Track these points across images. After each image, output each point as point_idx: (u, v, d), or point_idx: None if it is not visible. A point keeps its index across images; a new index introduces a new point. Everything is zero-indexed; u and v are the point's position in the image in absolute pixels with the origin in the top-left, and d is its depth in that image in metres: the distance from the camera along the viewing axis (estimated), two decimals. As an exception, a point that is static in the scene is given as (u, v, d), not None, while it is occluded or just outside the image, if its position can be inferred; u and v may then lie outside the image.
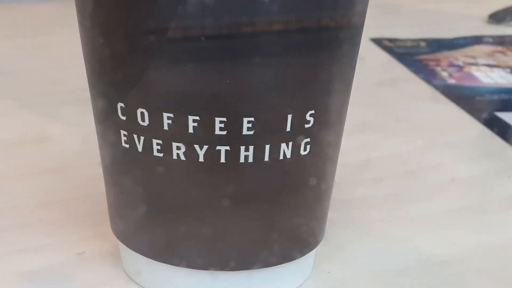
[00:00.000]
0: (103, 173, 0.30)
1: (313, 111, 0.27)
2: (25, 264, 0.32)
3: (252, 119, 0.26)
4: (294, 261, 0.30)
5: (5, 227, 0.35)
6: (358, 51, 0.29)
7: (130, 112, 0.27)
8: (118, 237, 0.30)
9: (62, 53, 0.60)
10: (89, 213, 0.35)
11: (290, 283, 0.31)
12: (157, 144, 0.27)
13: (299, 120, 0.27)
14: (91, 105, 0.30)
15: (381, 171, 0.41)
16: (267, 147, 0.27)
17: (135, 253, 0.30)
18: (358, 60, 0.30)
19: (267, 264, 0.29)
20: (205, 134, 0.26)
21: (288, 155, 0.27)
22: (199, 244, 0.29)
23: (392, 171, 0.41)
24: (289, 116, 0.26)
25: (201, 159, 0.26)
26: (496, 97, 0.52)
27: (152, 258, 0.29)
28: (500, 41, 0.66)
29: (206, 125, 0.26)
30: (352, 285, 0.31)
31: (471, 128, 0.47)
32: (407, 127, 0.47)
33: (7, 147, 0.43)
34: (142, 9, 0.26)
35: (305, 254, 0.30)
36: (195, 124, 0.26)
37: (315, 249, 0.31)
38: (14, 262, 0.32)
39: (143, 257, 0.29)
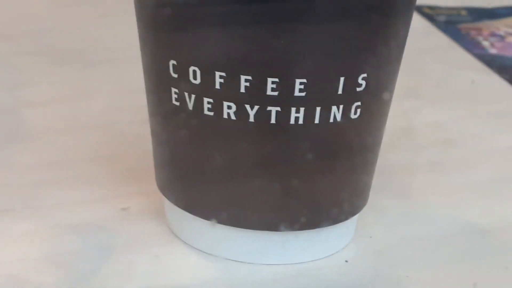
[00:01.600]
0: (151, 131, 0.31)
1: (365, 75, 0.27)
2: (71, 218, 0.32)
3: (304, 80, 0.26)
4: (337, 224, 0.30)
5: (51, 181, 0.35)
6: (411, 18, 0.29)
7: (182, 70, 0.27)
8: (163, 193, 0.31)
9: (99, 11, 0.60)
10: (133, 170, 0.36)
11: (332, 245, 0.31)
12: (208, 103, 0.27)
13: (351, 83, 0.27)
14: (131, 63, 0.30)
15: (423, 138, 0.41)
16: (318, 109, 0.27)
17: (184, 211, 0.30)
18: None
19: (312, 225, 0.29)
20: (256, 94, 0.26)
21: (339, 118, 0.27)
22: (251, 205, 0.29)
23: (434, 139, 0.41)
24: (342, 79, 0.27)
25: (251, 119, 0.27)
26: None
27: (202, 218, 0.30)
28: None
29: (258, 85, 0.26)
30: (392, 250, 0.31)
31: None
32: (448, 96, 0.47)
33: (50, 103, 0.43)
34: None
35: (349, 217, 0.31)
36: (247, 84, 0.26)
37: (358, 213, 0.31)
38: (60, 215, 0.32)
39: (193, 216, 0.30)
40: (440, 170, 0.38)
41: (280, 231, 0.29)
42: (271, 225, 0.29)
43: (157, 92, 0.29)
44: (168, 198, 0.31)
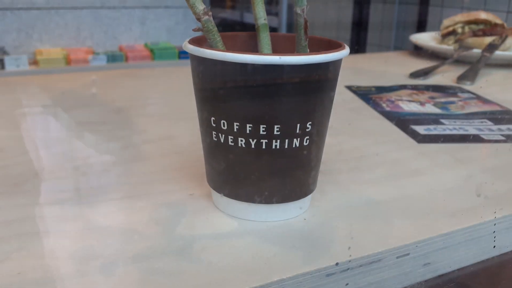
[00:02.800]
0: (203, 154, 0.31)
1: (311, 122, 0.27)
2: (165, 199, 0.32)
3: (279, 126, 0.27)
4: (300, 199, 0.30)
5: (152, 181, 0.35)
6: (334, 93, 0.29)
7: (217, 122, 0.28)
8: (210, 186, 0.31)
9: (181, 92, 0.60)
10: (196, 174, 0.36)
11: (297, 211, 0.31)
12: (231, 139, 0.27)
13: (303, 127, 0.27)
14: (197, 119, 0.30)
15: (348, 155, 0.41)
16: (286, 140, 0.27)
17: (220, 194, 0.30)
18: (338, 100, 0.30)
19: (285, 200, 0.29)
20: (255, 133, 0.27)
21: (298, 145, 0.28)
22: (253, 190, 0.29)
23: (353, 155, 0.41)
24: (298, 125, 0.27)
25: (253, 146, 0.27)
26: (411, 117, 0.51)
27: (229, 197, 0.30)
28: (415, 87, 0.64)
29: (255, 129, 0.27)
30: (330, 213, 0.31)
31: (396, 133, 0.47)
32: (363, 133, 0.47)
33: (155, 141, 0.43)
34: (223, 76, 0.27)
35: (306, 196, 0.31)
36: (250, 128, 0.27)
37: (311, 194, 0.31)
38: (159, 198, 0.32)
39: (224, 196, 0.30)
40: (357, 172, 0.38)
41: (265, 203, 0.29)
42: (260, 200, 0.29)
43: (205, 134, 0.29)
44: (212, 187, 0.31)
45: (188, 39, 0.29)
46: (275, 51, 0.32)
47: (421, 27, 2.28)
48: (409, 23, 2.42)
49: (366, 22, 2.61)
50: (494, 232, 0.31)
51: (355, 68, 0.77)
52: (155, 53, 2.37)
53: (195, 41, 0.29)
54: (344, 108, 0.55)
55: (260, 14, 0.31)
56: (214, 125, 0.28)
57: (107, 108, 0.53)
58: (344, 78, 0.69)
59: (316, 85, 0.27)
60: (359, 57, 0.93)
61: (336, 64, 0.27)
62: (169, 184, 0.35)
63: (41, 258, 0.26)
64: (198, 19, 0.27)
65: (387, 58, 0.90)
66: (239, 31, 0.33)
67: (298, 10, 0.28)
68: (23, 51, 2.21)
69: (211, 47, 0.28)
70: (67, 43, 2.30)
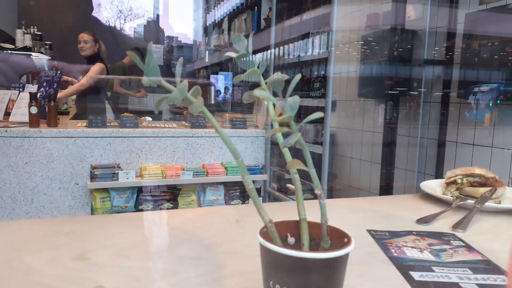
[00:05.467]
0: None
1: None
2: None
3: None
4: None
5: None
6: (345, 270, 0.37)
7: (274, 285, 0.36)
8: None
9: (252, 230, 0.64)
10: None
11: None
12: None
13: None
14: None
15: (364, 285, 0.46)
16: None
17: None
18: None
19: None
20: None
21: None
22: None
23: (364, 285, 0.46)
24: None
25: None
26: (411, 263, 0.55)
27: None
28: (419, 233, 0.67)
29: None
30: None
31: (398, 279, 0.50)
32: (374, 278, 0.51)
33: (231, 276, 0.47)
34: (278, 260, 0.35)
35: None
36: None
37: None
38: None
39: None
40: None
41: None
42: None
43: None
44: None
45: (260, 231, 0.40)
46: (311, 231, 0.42)
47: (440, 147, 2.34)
48: (431, 143, 2.48)
49: (394, 143, 2.70)
50: None
51: (377, 211, 0.82)
52: (228, 170, 2.58)
53: (263, 233, 0.40)
54: (363, 252, 0.60)
55: (301, 211, 0.42)
56: (272, 286, 0.37)
57: (200, 244, 0.59)
58: (368, 221, 0.75)
59: (333, 267, 0.36)
60: (381, 200, 0.98)
61: (344, 256, 0.37)
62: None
63: None
64: (265, 226, 0.39)
65: (401, 202, 0.93)
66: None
67: (322, 221, 0.39)
68: (132, 167, 2.49)
69: (272, 241, 0.39)
70: (165, 162, 2.57)
